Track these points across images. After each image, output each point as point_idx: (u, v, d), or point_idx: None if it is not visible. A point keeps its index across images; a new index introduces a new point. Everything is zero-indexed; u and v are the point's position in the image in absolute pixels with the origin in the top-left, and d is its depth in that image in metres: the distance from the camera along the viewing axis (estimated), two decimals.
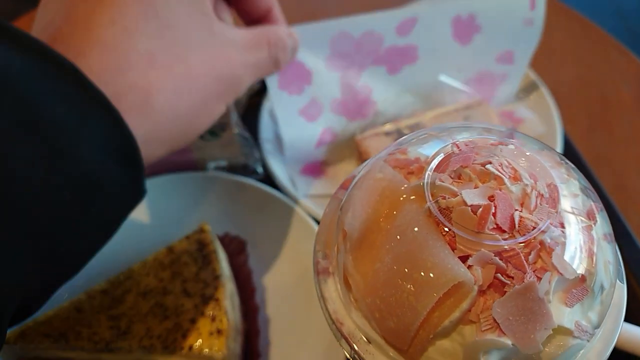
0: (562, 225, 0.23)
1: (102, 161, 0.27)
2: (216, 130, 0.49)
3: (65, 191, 0.26)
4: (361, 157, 0.50)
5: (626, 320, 0.39)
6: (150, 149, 0.31)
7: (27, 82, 0.25)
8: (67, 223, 0.27)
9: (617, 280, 0.26)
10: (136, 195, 0.31)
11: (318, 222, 0.44)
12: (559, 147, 0.49)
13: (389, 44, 0.48)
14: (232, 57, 0.34)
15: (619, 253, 0.27)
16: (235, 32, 0.35)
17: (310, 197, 0.48)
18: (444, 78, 0.50)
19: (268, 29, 0.38)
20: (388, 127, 0.50)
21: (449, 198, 0.23)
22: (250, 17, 0.40)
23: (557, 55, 0.63)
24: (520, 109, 0.53)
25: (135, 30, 0.29)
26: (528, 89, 0.54)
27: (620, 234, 0.45)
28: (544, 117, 0.52)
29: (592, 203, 0.25)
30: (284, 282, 0.44)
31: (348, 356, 0.26)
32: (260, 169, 0.51)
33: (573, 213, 0.24)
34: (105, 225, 0.30)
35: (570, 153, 0.51)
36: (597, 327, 0.24)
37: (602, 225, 0.25)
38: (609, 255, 0.25)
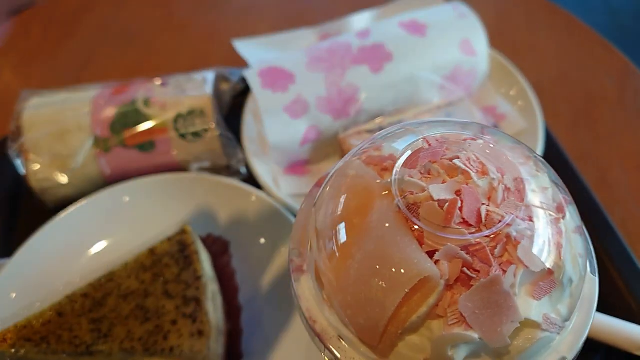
0: (531, 219, 0.23)
1: None
2: (199, 132, 0.49)
3: None
4: (344, 155, 0.50)
5: (608, 311, 0.39)
6: None
7: None
8: None
9: (589, 273, 0.26)
10: None
11: None
12: (540, 142, 0.49)
13: (358, 46, 0.51)
14: None
15: (591, 246, 0.27)
16: None
17: (293, 197, 0.48)
18: (423, 73, 0.50)
19: None
20: (371, 125, 0.50)
21: (417, 193, 0.23)
22: None
23: (540, 51, 0.63)
24: (502, 104, 0.53)
25: None
26: (510, 85, 0.54)
27: (603, 227, 0.45)
28: (526, 113, 0.52)
29: (562, 196, 0.26)
30: (267, 281, 0.44)
31: (321, 352, 0.26)
32: (243, 170, 0.50)
33: (542, 206, 0.24)
34: None
35: (553, 148, 0.51)
36: (567, 320, 0.24)
37: (572, 218, 0.26)
38: (579, 248, 0.25)
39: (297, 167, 0.52)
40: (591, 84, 0.59)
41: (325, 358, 0.26)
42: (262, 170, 0.50)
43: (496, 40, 0.58)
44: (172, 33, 0.72)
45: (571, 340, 0.24)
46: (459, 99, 0.52)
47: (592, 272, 0.26)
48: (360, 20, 0.61)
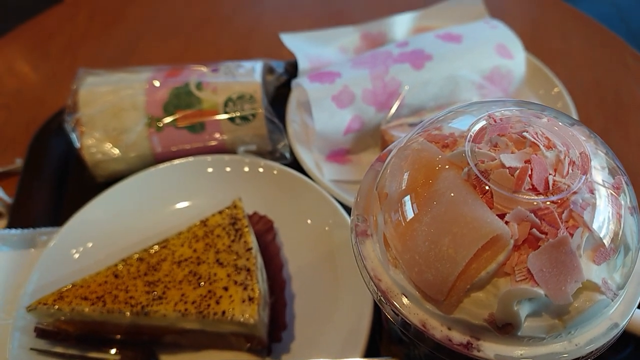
0: (592, 191, 0.25)
1: None
2: (247, 116, 0.51)
3: None
4: (385, 147, 0.52)
5: None
6: None
7: None
8: None
9: None
10: None
11: (342, 205, 0.46)
12: None
13: (398, 52, 0.54)
14: None
15: None
16: None
17: (334, 182, 0.50)
18: (463, 72, 0.52)
19: None
20: (412, 118, 0.52)
21: (487, 162, 0.25)
22: None
23: (574, 60, 0.65)
24: None
25: None
26: (547, 89, 0.56)
27: None
28: None
29: (619, 176, 0.27)
30: (309, 260, 0.46)
31: (384, 310, 0.28)
32: (287, 154, 0.52)
33: (602, 182, 0.26)
34: None
35: (607, 145, 0.52)
36: (621, 288, 0.25)
37: (628, 197, 0.27)
38: (634, 225, 0.27)
39: (338, 155, 0.54)
40: (622, 92, 0.61)
41: (388, 315, 0.27)
42: (306, 156, 0.52)
43: (531, 47, 0.60)
44: (215, 25, 0.74)
45: (623, 309, 0.26)
46: (498, 98, 0.54)
47: None
48: (402, 20, 0.63)
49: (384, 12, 0.67)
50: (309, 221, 0.47)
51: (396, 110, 0.52)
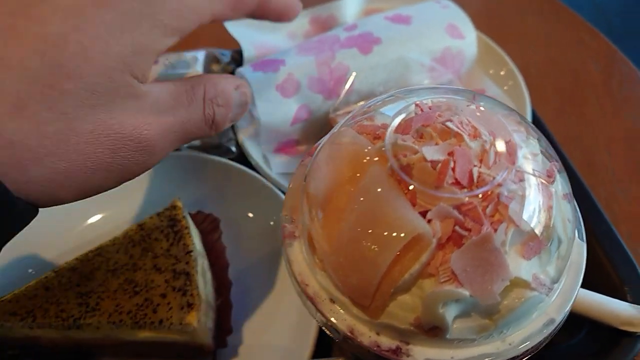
0: (521, 181, 0.24)
1: None
2: None
3: None
4: None
5: (593, 288, 0.40)
6: None
7: None
8: None
9: (577, 238, 0.27)
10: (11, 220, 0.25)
11: None
12: None
13: (345, 36, 0.52)
14: (143, 124, 0.27)
15: (579, 213, 0.28)
16: (161, 88, 0.28)
17: (283, 175, 0.48)
18: (412, 55, 0.50)
19: (206, 79, 0.30)
20: (361, 105, 0.50)
21: (409, 155, 0.24)
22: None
23: (528, 37, 0.64)
24: (491, 87, 0.53)
25: (15, 66, 0.23)
26: (499, 68, 0.55)
27: (589, 207, 0.46)
28: (514, 96, 0.52)
29: (552, 163, 0.26)
30: (257, 257, 0.44)
31: (312, 316, 0.26)
32: (234, 148, 0.50)
33: (532, 171, 0.24)
34: None
35: (540, 131, 0.51)
36: (555, 281, 0.24)
37: (561, 184, 0.26)
38: (568, 214, 0.26)
39: (287, 147, 0.52)
40: (578, 70, 0.60)
41: (317, 322, 0.26)
42: (253, 149, 0.49)
43: (484, 25, 0.58)
44: None
45: (559, 303, 0.25)
46: (449, 81, 0.52)
47: (580, 238, 0.27)
48: (352, 2, 0.61)
49: None
50: (255, 217, 0.45)
51: (344, 97, 0.50)
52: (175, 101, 0.28)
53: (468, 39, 0.53)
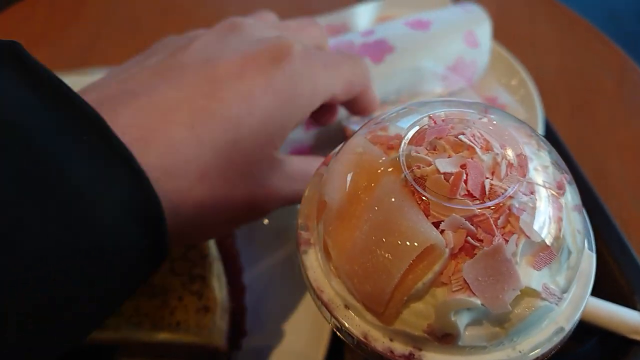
0: (532, 193, 0.24)
1: (124, 229, 0.24)
2: None
3: (79, 261, 0.23)
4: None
5: (603, 296, 0.40)
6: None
7: (44, 131, 0.22)
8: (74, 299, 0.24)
9: (587, 249, 0.27)
10: (156, 261, 0.28)
11: None
12: (540, 132, 0.50)
13: (360, 43, 0.52)
14: (272, 190, 0.33)
15: (589, 224, 0.28)
16: (291, 161, 0.35)
17: None
18: (426, 63, 0.51)
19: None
20: (375, 115, 0.51)
21: (423, 167, 0.24)
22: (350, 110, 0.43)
23: (541, 45, 0.64)
24: (503, 95, 0.54)
25: (207, 143, 0.28)
26: (511, 76, 0.56)
27: (599, 214, 0.46)
28: (526, 104, 0.53)
29: (562, 175, 0.26)
30: (271, 264, 0.45)
31: (327, 321, 0.27)
32: None
33: (542, 183, 0.25)
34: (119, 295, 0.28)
35: (552, 138, 0.52)
36: (565, 291, 0.25)
37: (572, 196, 0.27)
38: (578, 225, 0.26)
39: (302, 152, 0.52)
40: (590, 78, 0.61)
41: (332, 327, 0.27)
42: None
43: (497, 33, 0.59)
44: (178, 18, 0.72)
45: (569, 312, 0.25)
46: (461, 90, 0.53)
47: (590, 249, 0.27)
48: (366, 10, 0.62)
49: (351, 2, 0.65)
50: (265, 221, 0.46)
51: None
52: (301, 175, 0.34)
53: (482, 47, 0.54)
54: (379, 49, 0.52)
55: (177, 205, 0.28)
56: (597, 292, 0.30)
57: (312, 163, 0.34)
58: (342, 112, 0.51)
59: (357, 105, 0.41)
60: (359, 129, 0.30)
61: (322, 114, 0.40)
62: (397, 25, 0.54)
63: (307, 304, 0.41)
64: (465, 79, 0.54)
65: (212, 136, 0.28)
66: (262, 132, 0.30)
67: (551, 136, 0.52)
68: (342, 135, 0.52)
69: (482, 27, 0.54)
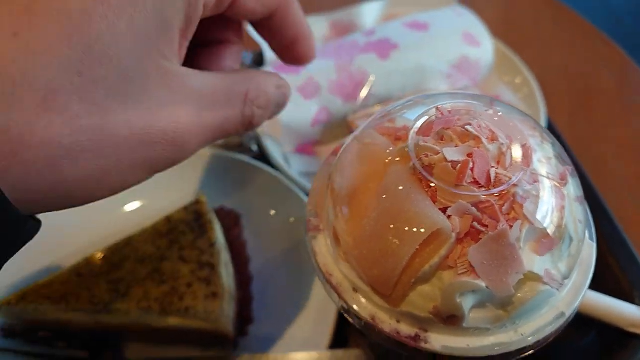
0: (535, 183, 0.25)
1: None
2: None
3: None
4: None
5: (602, 290, 0.41)
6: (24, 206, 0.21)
7: None
8: None
9: (587, 239, 0.28)
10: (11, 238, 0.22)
11: None
12: None
13: (364, 41, 0.54)
14: (182, 118, 0.24)
15: (589, 214, 0.29)
16: (202, 80, 0.25)
17: (303, 175, 0.50)
18: (430, 62, 0.52)
19: (251, 77, 0.28)
20: (379, 108, 0.51)
21: (431, 156, 0.25)
22: (276, 47, 0.34)
23: (543, 44, 0.65)
24: (506, 93, 0.55)
25: (42, 52, 0.20)
26: (515, 74, 0.56)
27: (600, 215, 0.47)
28: (529, 102, 0.54)
29: (565, 167, 0.27)
30: (277, 254, 0.46)
31: (335, 304, 0.28)
32: (255, 147, 0.52)
33: (546, 173, 0.26)
34: None
35: (554, 136, 0.53)
36: (566, 277, 0.26)
37: (573, 188, 0.27)
38: (579, 215, 0.27)
39: (307, 147, 0.53)
40: (591, 77, 0.62)
41: (340, 309, 0.28)
42: (274, 148, 0.51)
43: (501, 33, 0.60)
44: None
45: (569, 298, 0.26)
46: (465, 87, 0.54)
47: (590, 238, 0.28)
48: (372, 8, 0.63)
49: (355, 1, 0.66)
50: (275, 214, 0.47)
51: (363, 101, 0.52)
52: (216, 97, 0.26)
53: (484, 47, 0.55)
54: (384, 46, 0.53)
55: (15, 153, 0.20)
56: (596, 286, 0.31)
57: (220, 87, 0.26)
58: (348, 107, 0.52)
59: (279, 34, 0.31)
60: (367, 122, 0.31)
61: (220, 40, 0.32)
62: (396, 26, 0.56)
63: (311, 293, 0.42)
64: (469, 77, 0.54)
65: (48, 42, 0.20)
66: (129, 30, 0.21)
67: (553, 134, 0.52)
68: (347, 130, 0.53)
69: (477, 28, 0.55)
